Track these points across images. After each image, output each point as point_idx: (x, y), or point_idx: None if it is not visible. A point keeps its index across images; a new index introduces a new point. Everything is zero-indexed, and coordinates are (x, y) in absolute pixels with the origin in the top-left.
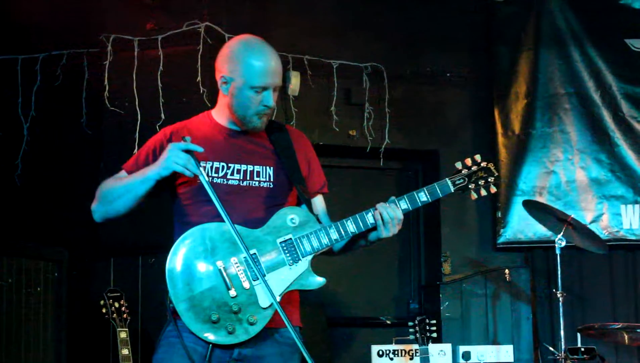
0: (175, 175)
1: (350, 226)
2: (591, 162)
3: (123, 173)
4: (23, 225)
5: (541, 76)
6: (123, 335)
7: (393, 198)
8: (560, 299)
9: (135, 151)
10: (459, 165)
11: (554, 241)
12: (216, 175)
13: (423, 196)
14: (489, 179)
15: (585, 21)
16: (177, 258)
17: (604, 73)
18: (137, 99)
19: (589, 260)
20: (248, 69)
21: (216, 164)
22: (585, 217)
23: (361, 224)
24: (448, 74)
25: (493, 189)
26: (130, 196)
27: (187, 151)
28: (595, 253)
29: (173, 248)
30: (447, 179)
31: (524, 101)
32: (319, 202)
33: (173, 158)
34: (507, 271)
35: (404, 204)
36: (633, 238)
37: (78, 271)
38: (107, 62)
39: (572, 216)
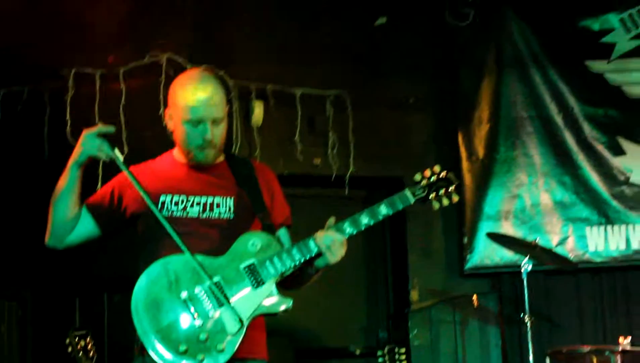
0: (134, 213)
1: (312, 245)
2: (555, 185)
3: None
4: None
5: (503, 100)
6: None
7: (333, 220)
8: (528, 324)
9: (99, 185)
10: (417, 177)
11: (520, 266)
12: (176, 208)
13: (384, 209)
14: (450, 189)
15: (545, 44)
16: (141, 293)
17: (565, 95)
18: None
19: (556, 284)
20: (182, 104)
21: (175, 197)
22: (552, 240)
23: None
24: (411, 100)
25: (455, 198)
26: (63, 197)
27: (100, 136)
28: (565, 272)
29: (137, 283)
30: (406, 189)
31: (487, 125)
32: (283, 235)
33: (87, 143)
34: (474, 297)
35: (365, 218)
36: (599, 260)
37: (42, 310)
38: (69, 96)
39: (537, 239)
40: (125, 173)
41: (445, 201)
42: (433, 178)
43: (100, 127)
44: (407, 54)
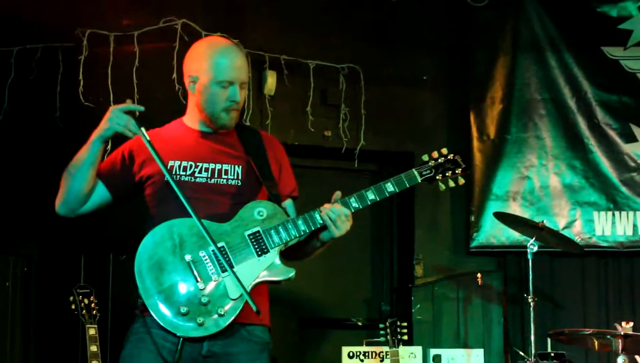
0: (143, 176)
1: (318, 217)
2: (565, 168)
3: None
4: None
5: (517, 82)
6: (92, 331)
7: (339, 193)
8: (532, 304)
9: (109, 147)
10: (425, 157)
11: (526, 246)
12: (184, 173)
13: (390, 187)
14: (457, 171)
15: (562, 28)
16: (145, 254)
17: (580, 80)
18: (112, 95)
19: (561, 266)
20: (213, 65)
21: (184, 163)
22: (558, 223)
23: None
24: (425, 77)
25: (461, 181)
26: (83, 169)
27: (128, 113)
28: (570, 254)
29: (141, 243)
30: (413, 169)
31: (500, 106)
32: (289, 206)
33: (114, 119)
34: (479, 275)
35: (371, 195)
36: (605, 244)
37: (48, 266)
38: (82, 57)
39: (544, 221)
40: (143, 141)
41: (452, 183)
42: (441, 159)
43: (129, 103)
44: (423, 31)
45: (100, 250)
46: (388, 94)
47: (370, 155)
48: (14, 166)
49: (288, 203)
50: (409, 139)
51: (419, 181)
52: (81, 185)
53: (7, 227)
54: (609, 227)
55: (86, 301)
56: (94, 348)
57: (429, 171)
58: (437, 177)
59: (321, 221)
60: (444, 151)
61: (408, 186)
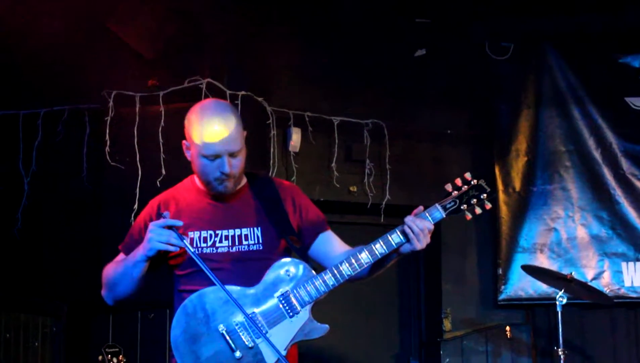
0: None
1: (345, 269)
2: (592, 219)
3: (121, 255)
4: (22, 280)
5: (541, 134)
6: None
7: (421, 208)
8: (562, 357)
9: (136, 206)
10: (449, 187)
11: (555, 299)
12: (205, 245)
13: (400, 236)
14: (482, 196)
15: (585, 80)
16: (179, 327)
17: (604, 131)
18: (138, 155)
19: (591, 318)
20: (199, 138)
21: (204, 233)
22: (587, 274)
23: (355, 266)
24: (449, 131)
25: (488, 206)
26: (127, 280)
27: (168, 227)
28: (600, 306)
29: (174, 318)
30: (437, 204)
31: (525, 158)
32: (325, 239)
33: (155, 237)
34: (508, 328)
35: (397, 237)
36: (634, 295)
37: (77, 326)
38: (109, 117)
39: (573, 273)
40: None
41: (479, 211)
42: (464, 188)
43: (167, 219)
44: (445, 85)
45: (128, 308)
46: (412, 149)
47: (396, 209)
48: (41, 227)
49: (324, 237)
50: (434, 192)
51: (444, 216)
52: (128, 291)
53: (36, 287)
54: (638, 278)
55: (115, 360)
56: None
57: (452, 203)
58: (463, 207)
59: (349, 273)
60: (468, 176)
61: (433, 223)
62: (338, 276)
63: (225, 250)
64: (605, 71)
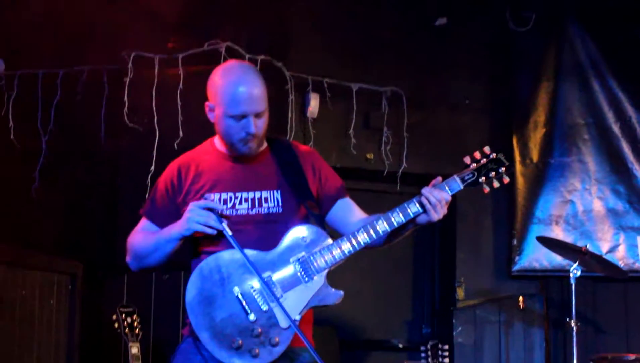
0: (183, 209)
1: (362, 237)
2: (609, 192)
3: (145, 222)
4: (38, 238)
5: (560, 106)
6: (135, 350)
7: (439, 180)
8: (574, 328)
9: (152, 168)
10: (467, 159)
11: (568, 271)
12: (225, 207)
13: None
14: (500, 170)
15: (606, 53)
16: (194, 289)
17: (624, 104)
18: (156, 117)
19: (604, 291)
20: (225, 97)
21: (224, 195)
22: (602, 247)
23: (380, 229)
24: (467, 101)
25: (506, 180)
26: (160, 254)
27: (208, 209)
28: (614, 280)
29: (190, 279)
30: (455, 176)
31: (543, 130)
32: (343, 205)
33: (194, 218)
34: (521, 298)
35: (414, 207)
36: None
37: (92, 285)
38: (128, 79)
39: (587, 245)
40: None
41: (497, 184)
42: (483, 161)
43: (207, 201)
44: (465, 55)
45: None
46: (430, 117)
47: (412, 178)
48: (59, 186)
49: (342, 203)
50: (451, 162)
51: (462, 187)
52: (157, 263)
53: (52, 245)
54: None
55: (129, 320)
56: None
57: (471, 176)
58: (481, 180)
59: (366, 241)
60: (487, 149)
61: (451, 194)
62: (354, 243)
63: (245, 212)
64: (627, 43)
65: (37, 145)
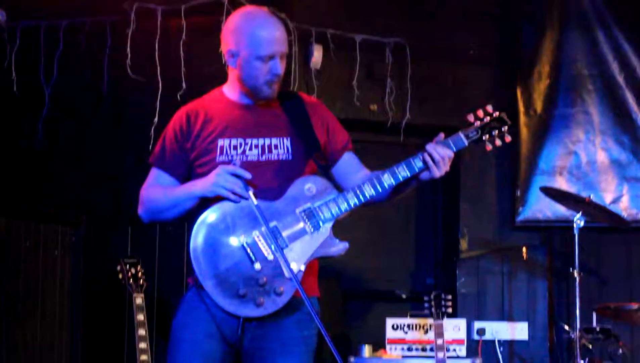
0: (193, 154)
1: (368, 190)
2: (613, 143)
3: (156, 172)
4: (42, 190)
5: (565, 57)
6: (139, 300)
7: (442, 135)
8: (577, 279)
9: (155, 119)
10: (471, 117)
11: (572, 221)
12: (235, 153)
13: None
14: (503, 129)
15: (612, 3)
16: (199, 237)
17: (629, 56)
18: (158, 68)
19: (607, 242)
20: (253, 39)
21: (234, 141)
22: (605, 198)
23: (378, 186)
24: (471, 52)
25: (508, 138)
26: (178, 210)
27: (235, 175)
28: (617, 230)
29: (195, 227)
30: (460, 133)
31: (547, 80)
32: (348, 159)
33: (221, 182)
34: (524, 249)
35: (419, 162)
36: None
37: (96, 237)
38: (130, 30)
39: (591, 196)
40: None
41: (499, 142)
42: (486, 118)
43: (236, 168)
44: (469, 5)
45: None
46: (434, 69)
47: (416, 129)
48: (62, 137)
49: (346, 157)
50: (455, 113)
51: (466, 144)
52: (173, 218)
53: (56, 197)
54: None
55: (133, 271)
56: (140, 317)
57: (475, 133)
58: (484, 137)
59: (372, 193)
60: (489, 108)
61: (455, 150)
62: (360, 195)
63: (255, 159)
64: None
65: (39, 97)
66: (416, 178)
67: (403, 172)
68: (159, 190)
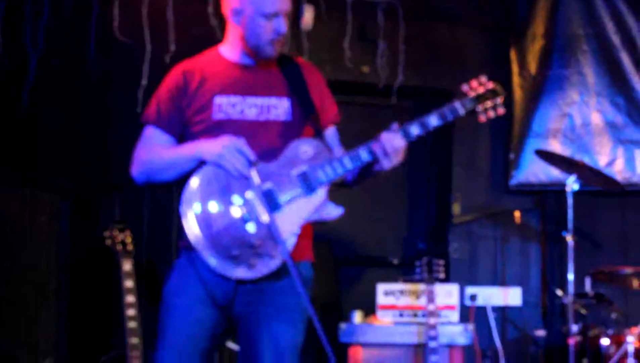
0: (188, 112)
1: (364, 155)
2: (608, 105)
3: (152, 130)
4: (29, 156)
5: (560, 17)
6: (127, 266)
7: (396, 125)
8: (571, 242)
9: (144, 81)
10: (465, 88)
11: (565, 185)
12: (232, 110)
13: (434, 120)
14: (497, 100)
15: None
16: (191, 196)
17: (625, 16)
18: (146, 31)
19: (602, 205)
20: None
21: (232, 98)
22: (599, 161)
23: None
24: (464, 13)
25: (501, 111)
26: (176, 170)
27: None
28: (611, 193)
29: (187, 185)
30: (456, 101)
31: (542, 41)
32: (332, 133)
33: (226, 155)
34: (517, 213)
35: (416, 130)
36: None
37: (84, 202)
38: None
39: (585, 159)
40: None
41: (492, 114)
42: (480, 89)
43: (244, 146)
44: None
45: (135, 185)
46: (427, 30)
47: (408, 91)
48: (50, 104)
49: (331, 129)
50: (448, 75)
51: (462, 114)
52: (171, 178)
53: (43, 162)
54: None
55: (121, 236)
56: (129, 283)
57: (470, 103)
58: (478, 108)
59: (367, 159)
60: (483, 79)
61: (451, 119)
62: (356, 160)
63: (254, 118)
64: None
65: (25, 64)
66: (369, 168)
67: (349, 164)
68: (156, 149)
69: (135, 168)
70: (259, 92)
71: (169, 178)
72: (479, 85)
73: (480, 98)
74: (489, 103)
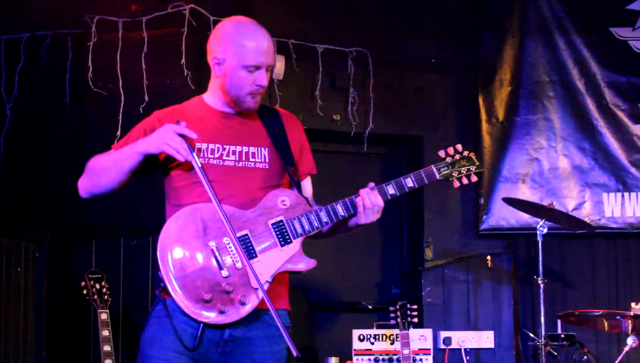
0: (168, 157)
1: (340, 210)
2: (574, 150)
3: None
4: (5, 205)
5: (526, 64)
6: (104, 316)
7: (373, 184)
8: (541, 285)
9: (119, 132)
10: (442, 153)
11: (536, 228)
12: (212, 156)
13: (410, 183)
14: (471, 168)
15: (570, 9)
16: (168, 238)
17: (588, 61)
18: (120, 81)
19: (571, 248)
20: (240, 48)
21: (212, 145)
22: (568, 205)
23: (350, 208)
24: (433, 60)
25: (474, 178)
26: (116, 169)
27: (181, 135)
28: (580, 236)
29: (164, 228)
30: (432, 166)
31: (508, 88)
32: (307, 184)
33: (166, 139)
34: (489, 257)
35: (392, 189)
36: (614, 225)
37: (59, 252)
38: (91, 43)
39: (553, 203)
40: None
41: (465, 180)
42: (457, 156)
43: (183, 128)
44: (430, 13)
45: (111, 235)
46: (396, 78)
47: (379, 139)
48: (24, 152)
49: (307, 181)
50: (418, 122)
51: (438, 178)
52: (114, 185)
53: (19, 212)
54: (619, 208)
55: (98, 286)
56: (106, 332)
57: (446, 168)
58: (453, 174)
59: (343, 214)
60: (459, 147)
61: (427, 182)
62: (332, 215)
63: (232, 164)
64: (591, 0)
65: (1, 112)
66: (345, 223)
67: (325, 218)
68: (101, 155)
69: (82, 176)
70: (239, 140)
71: (110, 180)
72: (455, 152)
73: (455, 164)
74: (463, 170)
